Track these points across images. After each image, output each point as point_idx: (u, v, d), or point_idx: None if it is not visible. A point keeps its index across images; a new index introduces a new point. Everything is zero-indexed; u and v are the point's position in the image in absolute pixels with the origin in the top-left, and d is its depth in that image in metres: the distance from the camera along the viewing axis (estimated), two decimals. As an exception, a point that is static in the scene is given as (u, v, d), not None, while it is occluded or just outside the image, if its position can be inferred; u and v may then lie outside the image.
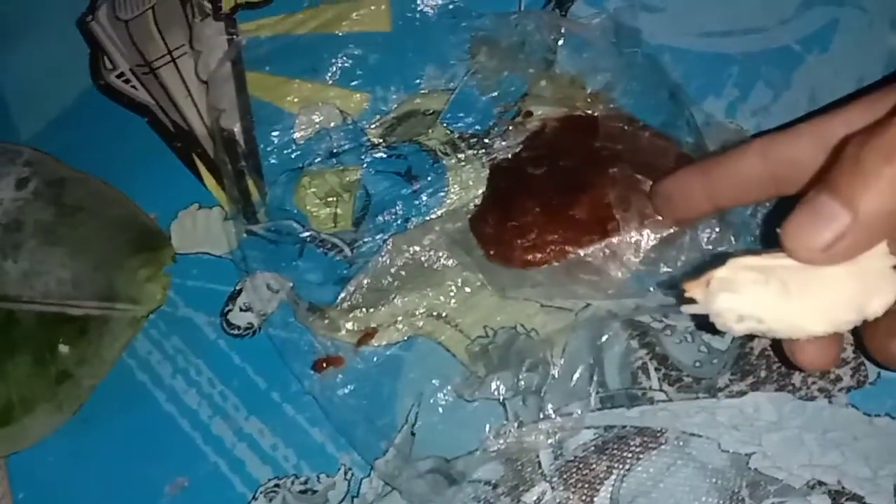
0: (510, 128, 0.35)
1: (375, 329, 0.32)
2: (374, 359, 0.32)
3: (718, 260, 0.21)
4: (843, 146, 0.19)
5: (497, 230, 0.32)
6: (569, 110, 0.34)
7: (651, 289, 0.30)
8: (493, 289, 0.33)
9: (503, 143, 0.35)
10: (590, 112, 0.34)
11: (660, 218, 0.30)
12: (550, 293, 0.32)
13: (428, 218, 0.35)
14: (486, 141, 0.35)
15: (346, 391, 0.31)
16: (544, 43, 0.35)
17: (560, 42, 0.35)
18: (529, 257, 0.31)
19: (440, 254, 0.33)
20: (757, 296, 0.19)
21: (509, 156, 0.34)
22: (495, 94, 0.36)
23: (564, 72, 0.35)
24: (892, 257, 0.19)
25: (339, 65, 0.38)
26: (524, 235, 0.31)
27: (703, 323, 0.21)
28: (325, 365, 0.32)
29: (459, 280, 0.33)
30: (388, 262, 0.33)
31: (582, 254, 0.31)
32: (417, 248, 0.33)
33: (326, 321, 0.32)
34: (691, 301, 0.21)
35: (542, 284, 0.32)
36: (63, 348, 0.36)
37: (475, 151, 0.35)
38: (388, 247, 0.33)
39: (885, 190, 0.17)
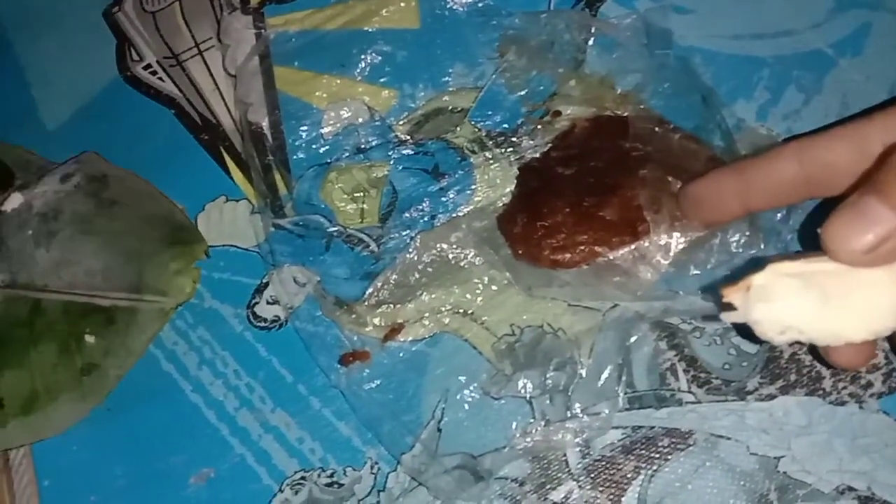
0: (538, 127, 0.35)
1: (402, 325, 0.33)
2: (401, 354, 0.32)
3: (756, 264, 0.20)
4: (890, 151, 0.18)
5: (526, 230, 0.32)
6: (598, 111, 0.34)
7: (680, 292, 0.30)
8: (519, 288, 0.33)
9: (531, 143, 0.35)
10: (619, 113, 0.34)
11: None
12: (578, 294, 0.32)
13: (455, 215, 0.35)
14: (514, 140, 0.35)
15: (373, 386, 0.31)
16: (574, 42, 0.35)
17: (590, 42, 0.35)
18: (558, 258, 0.31)
19: (467, 251, 0.33)
20: (796, 306, 0.19)
21: (538, 155, 0.34)
22: (524, 92, 0.36)
23: (594, 72, 0.35)
24: None
25: (368, 61, 0.38)
26: (553, 236, 0.31)
27: (744, 330, 0.21)
28: (351, 359, 0.32)
29: (486, 278, 0.33)
30: (415, 258, 0.33)
31: (611, 256, 0.30)
32: (445, 246, 0.33)
33: (353, 316, 0.33)
34: (730, 307, 0.20)
35: (570, 285, 0.32)
36: (89, 339, 0.36)
37: (503, 150, 0.35)
38: (416, 243, 0.33)
39: None
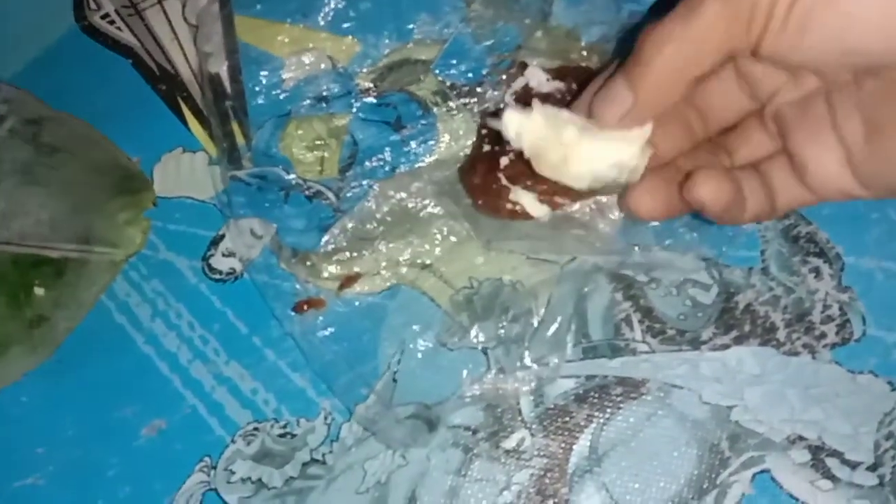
0: (503, 78, 0.34)
1: (359, 274, 0.32)
2: (356, 303, 0.32)
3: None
4: (642, 39, 0.21)
5: (485, 180, 0.31)
6: (564, 63, 0.34)
7: (637, 246, 0.30)
8: (478, 239, 0.32)
9: (494, 94, 0.34)
10: (585, 65, 0.33)
11: None
12: (536, 246, 0.32)
13: (416, 167, 0.34)
14: (479, 90, 0.34)
15: (327, 333, 0.31)
16: None
17: None
18: (517, 209, 0.31)
19: (427, 201, 0.33)
20: (537, 128, 0.23)
21: (501, 105, 0.33)
22: (490, 43, 0.35)
23: (561, 24, 0.34)
24: (638, 146, 0.22)
25: (331, 7, 0.37)
26: (513, 186, 0.31)
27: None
28: (305, 307, 0.31)
29: (445, 229, 0.32)
30: (373, 207, 0.32)
31: (568, 209, 0.30)
32: (404, 195, 0.32)
33: (309, 264, 0.32)
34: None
35: (529, 237, 0.32)
36: (39, 291, 0.35)
37: (466, 101, 0.34)
38: (375, 191, 0.32)
39: (655, 75, 0.20)
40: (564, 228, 0.31)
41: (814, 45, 0.19)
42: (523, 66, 0.34)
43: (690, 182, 0.21)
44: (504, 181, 0.31)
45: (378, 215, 0.32)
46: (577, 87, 0.32)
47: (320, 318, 0.31)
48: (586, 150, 0.22)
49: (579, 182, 0.23)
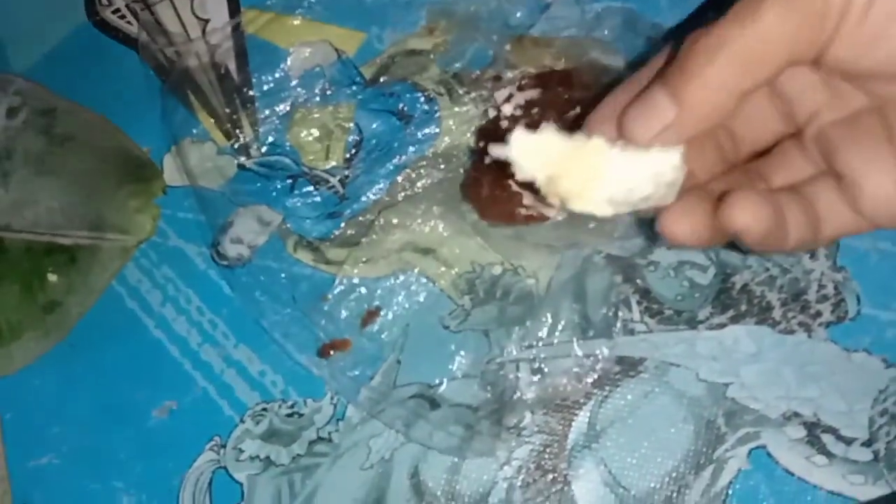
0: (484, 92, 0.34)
1: (379, 308, 0.32)
2: (383, 335, 0.32)
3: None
4: (690, 43, 0.18)
5: (495, 192, 0.31)
6: (539, 69, 0.33)
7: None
8: (494, 252, 0.32)
9: (498, 83, 0.35)
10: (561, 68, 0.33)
11: None
12: (554, 249, 0.31)
13: (419, 164, 0.34)
14: (484, 80, 0.35)
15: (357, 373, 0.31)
16: (500, 8, 0.35)
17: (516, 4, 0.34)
18: (532, 212, 0.30)
19: (433, 223, 0.32)
20: (549, 154, 0.19)
21: (489, 116, 0.33)
22: (459, 65, 0.35)
23: (527, 34, 0.34)
24: (678, 156, 0.18)
25: (336, 2, 0.37)
26: (524, 191, 0.30)
27: None
28: (331, 352, 0.31)
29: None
30: (382, 237, 0.33)
31: None
32: (409, 222, 0.32)
33: (315, 251, 0.33)
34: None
35: (546, 241, 0.31)
36: (52, 277, 0.36)
37: (469, 90, 0.35)
38: (380, 222, 0.33)
39: (704, 86, 0.17)
40: (581, 223, 0.30)
41: (891, 52, 0.17)
42: (497, 79, 0.35)
43: (725, 204, 0.18)
44: (515, 187, 0.30)
45: (386, 245, 0.32)
46: (561, 89, 0.32)
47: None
48: (618, 164, 0.18)
49: (605, 206, 0.19)
